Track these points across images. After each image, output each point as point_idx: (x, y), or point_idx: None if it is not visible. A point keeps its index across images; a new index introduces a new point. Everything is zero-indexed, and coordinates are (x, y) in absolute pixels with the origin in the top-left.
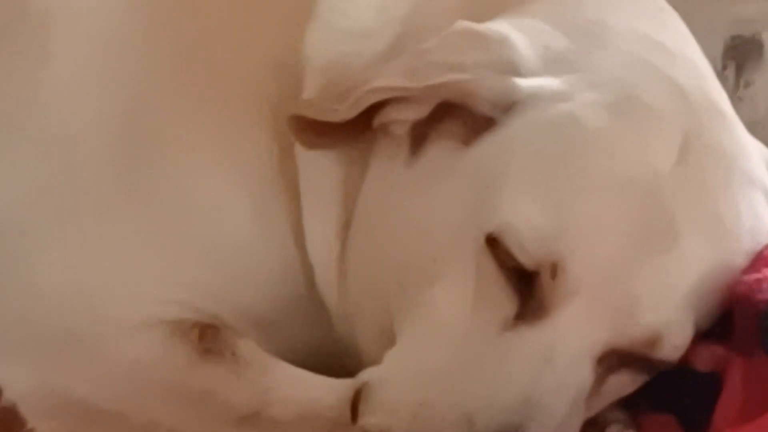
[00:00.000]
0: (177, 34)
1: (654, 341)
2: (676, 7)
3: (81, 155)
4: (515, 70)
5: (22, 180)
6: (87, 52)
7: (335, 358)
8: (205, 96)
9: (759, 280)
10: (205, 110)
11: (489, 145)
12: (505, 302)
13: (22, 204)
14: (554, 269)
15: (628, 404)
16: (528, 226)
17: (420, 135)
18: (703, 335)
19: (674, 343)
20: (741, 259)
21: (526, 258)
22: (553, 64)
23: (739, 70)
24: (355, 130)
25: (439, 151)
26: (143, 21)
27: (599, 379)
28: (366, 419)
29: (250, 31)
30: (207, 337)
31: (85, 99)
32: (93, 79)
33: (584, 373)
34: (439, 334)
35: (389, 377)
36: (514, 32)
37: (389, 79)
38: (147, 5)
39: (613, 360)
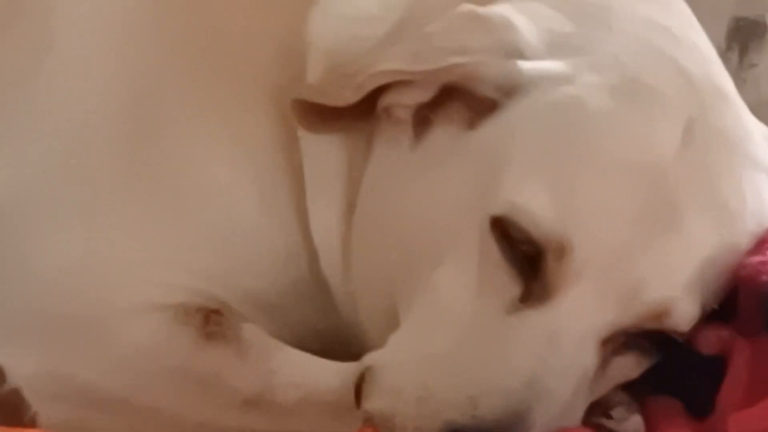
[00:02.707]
0: (182, 18)
1: (661, 314)
2: None
3: (85, 139)
4: (518, 53)
5: (26, 164)
6: (91, 36)
7: (339, 342)
8: (210, 80)
9: (763, 263)
10: (210, 95)
11: (492, 128)
12: (509, 285)
13: (25, 188)
14: (560, 251)
15: (633, 388)
16: (533, 207)
17: (423, 119)
18: (708, 318)
19: (682, 314)
20: (745, 242)
21: (530, 239)
22: (556, 48)
23: (743, 51)
24: (359, 114)
25: (442, 134)
26: (148, 4)
27: (604, 362)
28: (370, 403)
29: (254, 16)
30: (211, 321)
31: (90, 83)
32: (97, 63)
33: (589, 356)
34: (443, 317)
35: (393, 361)
36: (517, 15)
37: (393, 63)
38: None
39: (619, 341)
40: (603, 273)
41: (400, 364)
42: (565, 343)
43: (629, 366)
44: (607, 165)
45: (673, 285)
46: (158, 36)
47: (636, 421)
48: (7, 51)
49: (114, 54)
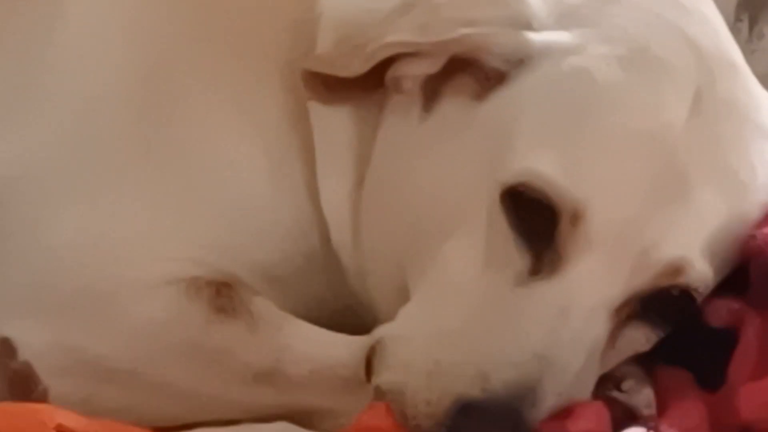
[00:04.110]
0: None
1: (675, 271)
2: None
3: (96, 113)
4: (527, 24)
5: (37, 139)
6: (102, 11)
7: (350, 315)
8: (221, 53)
9: None
10: (221, 68)
11: (501, 99)
12: (518, 258)
13: (36, 163)
14: (575, 215)
15: (644, 361)
16: (548, 171)
17: (432, 91)
18: (718, 290)
19: (697, 271)
20: (755, 212)
21: (545, 205)
22: (565, 19)
23: (753, 22)
24: (368, 85)
25: (451, 106)
26: None
27: (615, 334)
28: (380, 376)
29: None
30: (222, 294)
31: (101, 57)
32: (108, 38)
33: (600, 326)
34: (453, 290)
35: (403, 334)
36: None
37: (401, 34)
38: None
39: (632, 307)
40: (614, 242)
41: (410, 337)
42: (575, 314)
43: (640, 338)
44: (616, 135)
45: (686, 246)
46: (169, 11)
47: (647, 393)
48: (18, 25)
49: (125, 29)
